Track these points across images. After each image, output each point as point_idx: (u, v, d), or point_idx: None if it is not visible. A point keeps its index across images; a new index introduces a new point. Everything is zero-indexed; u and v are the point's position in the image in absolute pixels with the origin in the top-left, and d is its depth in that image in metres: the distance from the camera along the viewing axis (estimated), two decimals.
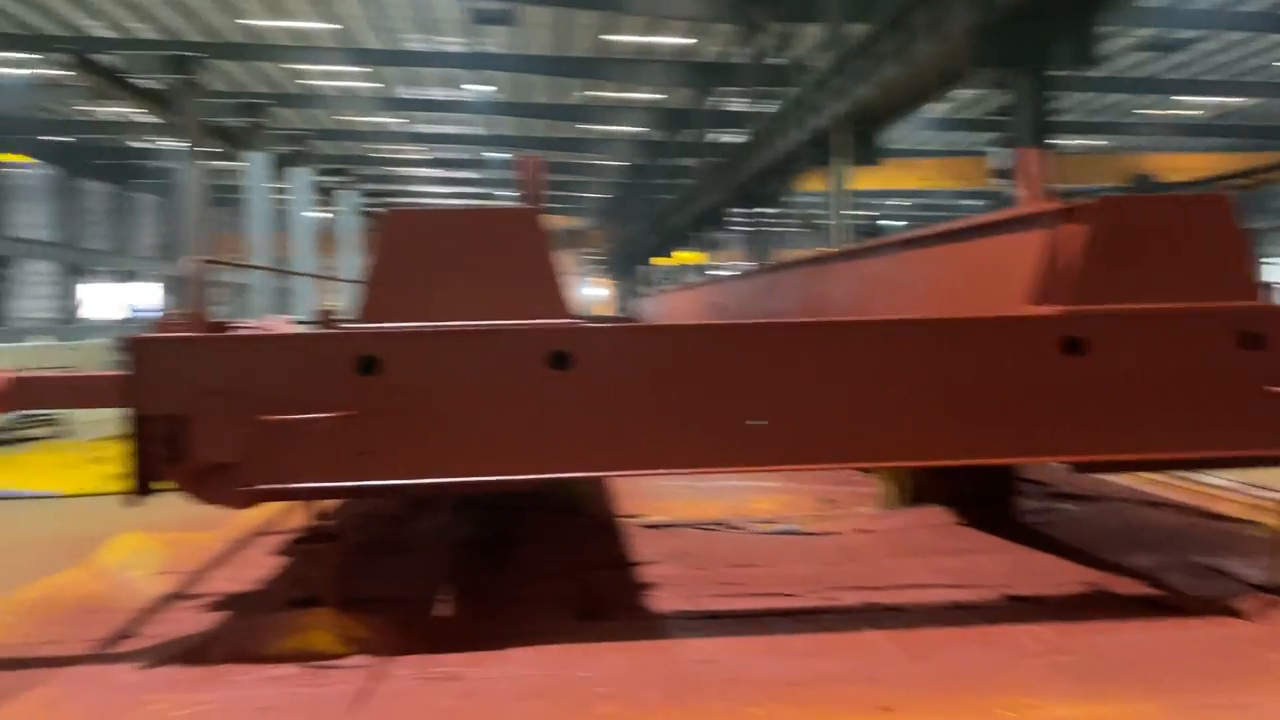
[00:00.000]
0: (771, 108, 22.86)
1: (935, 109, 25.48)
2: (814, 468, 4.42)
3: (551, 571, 4.69)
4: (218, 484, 3.57)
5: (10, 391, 3.52)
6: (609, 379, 3.63)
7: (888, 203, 51.10)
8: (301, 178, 7.11)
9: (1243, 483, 6.28)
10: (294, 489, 3.59)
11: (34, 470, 8.17)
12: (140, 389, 3.52)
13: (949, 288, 5.05)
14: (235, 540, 5.60)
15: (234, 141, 19.55)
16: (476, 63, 28.43)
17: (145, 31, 25.32)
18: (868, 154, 16.13)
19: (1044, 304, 3.74)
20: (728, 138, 32.78)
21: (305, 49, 27.30)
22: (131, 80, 18.49)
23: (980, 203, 48.59)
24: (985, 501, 5.62)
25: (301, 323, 7.43)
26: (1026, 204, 4.21)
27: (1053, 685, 3.14)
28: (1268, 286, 3.83)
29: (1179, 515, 5.67)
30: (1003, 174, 10.53)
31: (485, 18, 25.15)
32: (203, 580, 4.76)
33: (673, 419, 3.62)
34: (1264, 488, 6.09)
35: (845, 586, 4.29)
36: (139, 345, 3.53)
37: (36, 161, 41.36)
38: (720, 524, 5.58)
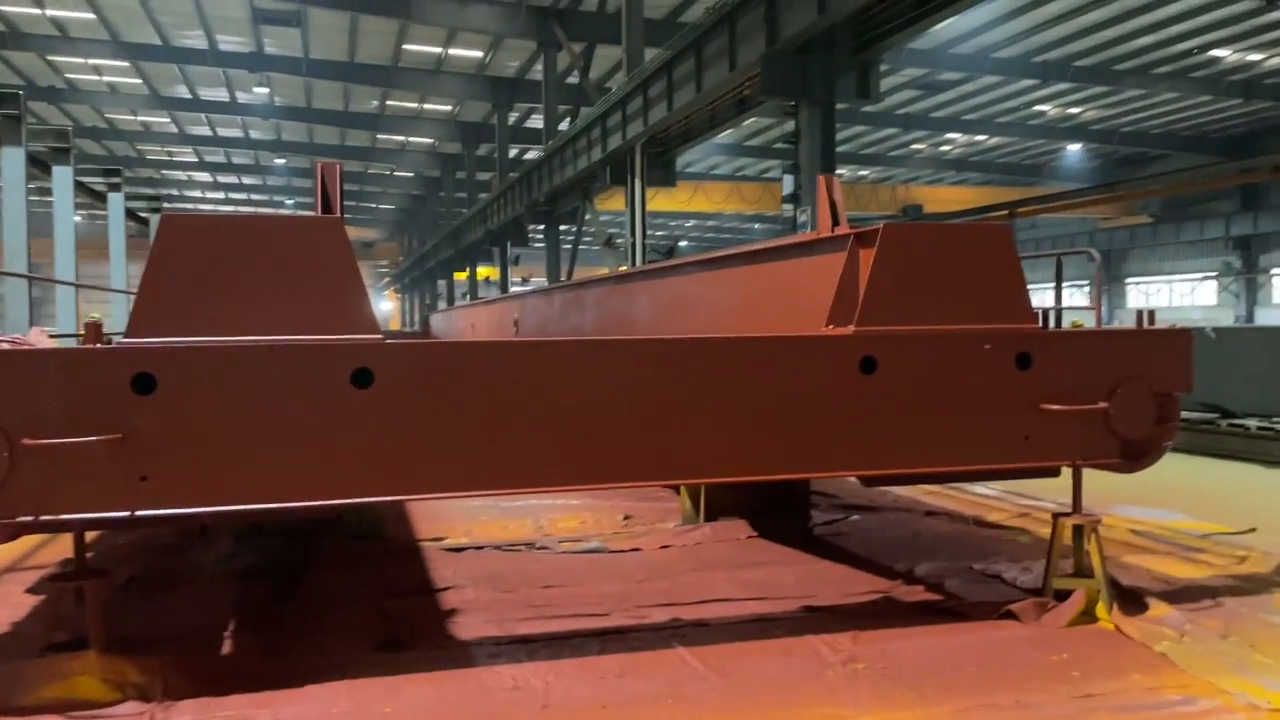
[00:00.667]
0: (567, 126, 23.11)
1: (729, 135, 26.41)
2: (618, 486, 4.42)
3: (349, 601, 4.46)
4: None
5: None
6: (413, 397, 3.49)
7: (686, 224, 52.57)
8: (64, 178, 6.42)
9: (1010, 492, 6.84)
10: (61, 520, 3.23)
11: None
12: None
13: (751, 308, 5.21)
14: None
15: None
16: (260, 64, 27.09)
17: None
18: (665, 176, 16.54)
19: (841, 325, 3.91)
20: (530, 154, 32.88)
21: (72, 40, 25.19)
22: None
23: (769, 227, 50.87)
24: (779, 514, 5.83)
25: (64, 337, 6.80)
26: (823, 228, 4.40)
27: (854, 694, 3.26)
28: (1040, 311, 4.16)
29: (955, 524, 6.08)
30: (794, 199, 11.05)
31: (270, 18, 24.04)
32: None
33: (479, 438, 3.52)
34: (1029, 497, 6.64)
35: (652, 604, 4.31)
36: None
37: None
38: (526, 545, 5.50)
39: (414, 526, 5.95)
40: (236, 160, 41.41)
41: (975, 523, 6.09)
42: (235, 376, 3.36)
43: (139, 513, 3.28)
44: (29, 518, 3.19)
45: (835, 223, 4.33)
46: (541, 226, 24.98)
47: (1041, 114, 31.20)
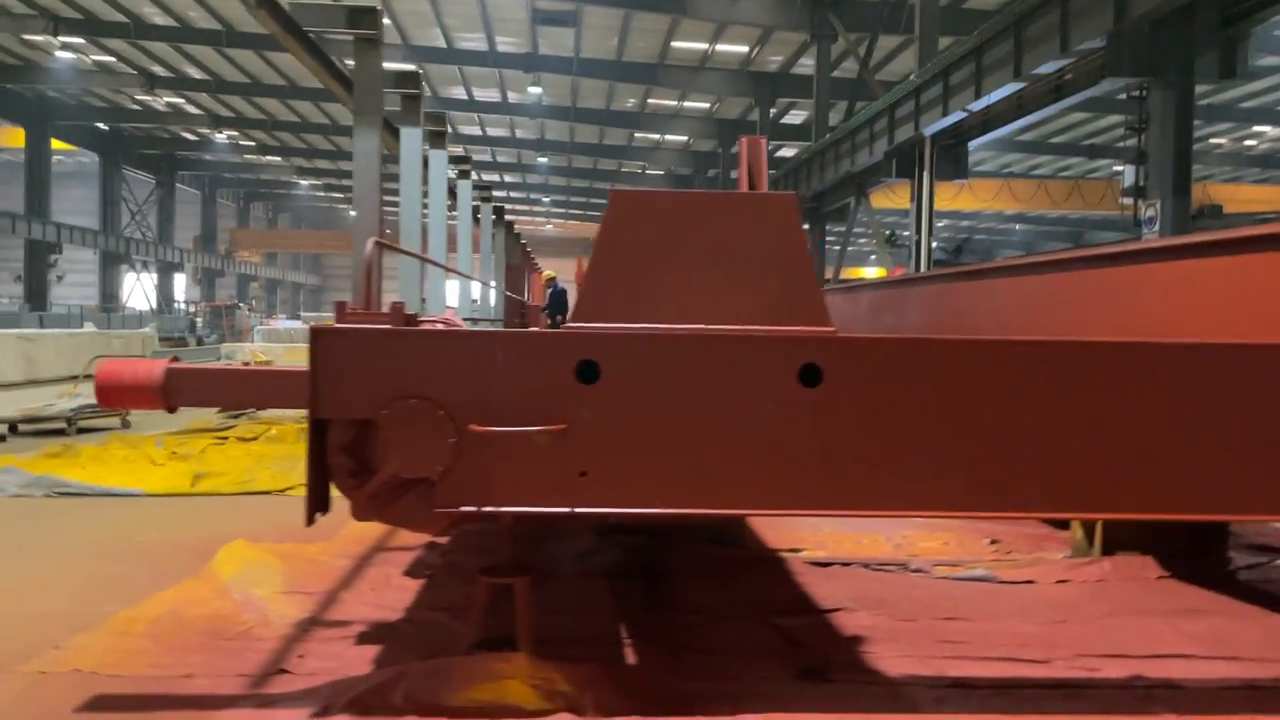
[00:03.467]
0: (832, 121, 22.39)
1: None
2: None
3: (733, 615, 4.13)
4: (410, 503, 3.04)
5: (173, 386, 2.99)
6: (864, 399, 3.05)
7: (937, 224, 50.31)
8: (439, 161, 6.62)
9: None
10: (503, 512, 3.04)
11: (117, 465, 7.70)
12: (322, 389, 2.99)
13: (1171, 311, 4.45)
14: (356, 557, 5.09)
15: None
16: (533, 65, 28.06)
17: None
18: (956, 169, 15.54)
19: None
20: (783, 150, 32.35)
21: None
22: None
23: (1030, 228, 47.79)
24: (1191, 551, 5.03)
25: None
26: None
27: None
28: None
29: None
30: (1138, 193, 9.92)
31: (547, 18, 24.83)
32: (341, 604, 4.23)
33: (931, 450, 3.04)
34: None
35: (1093, 653, 3.70)
36: (322, 338, 3.00)
37: (76, 148, 41.40)
38: (897, 565, 5.00)
39: (760, 534, 5.59)
40: (501, 159, 43.31)
41: None
42: (675, 367, 3.05)
43: (577, 509, 3.04)
44: (472, 507, 3.02)
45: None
46: (806, 225, 24.34)
47: None
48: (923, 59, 14.97)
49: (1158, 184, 9.58)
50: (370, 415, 2.97)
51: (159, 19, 27.09)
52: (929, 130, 14.56)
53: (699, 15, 22.40)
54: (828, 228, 24.74)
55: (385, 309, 3.30)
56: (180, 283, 49.68)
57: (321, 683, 3.26)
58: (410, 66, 4.21)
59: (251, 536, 5.37)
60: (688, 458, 3.05)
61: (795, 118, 31.79)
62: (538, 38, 26.61)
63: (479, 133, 37.99)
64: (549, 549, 5.18)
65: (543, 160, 41.77)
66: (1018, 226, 47.08)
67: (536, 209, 56.35)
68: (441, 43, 27.29)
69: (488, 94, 32.55)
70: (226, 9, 25.69)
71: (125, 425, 10.52)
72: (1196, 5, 9.06)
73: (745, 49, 26.20)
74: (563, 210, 56.54)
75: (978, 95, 12.58)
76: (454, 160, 6.75)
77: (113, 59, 30.71)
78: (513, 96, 32.68)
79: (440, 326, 3.29)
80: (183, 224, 49.67)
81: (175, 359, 3.06)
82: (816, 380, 3.04)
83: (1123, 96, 17.73)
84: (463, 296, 7.22)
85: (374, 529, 5.85)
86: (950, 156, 15.52)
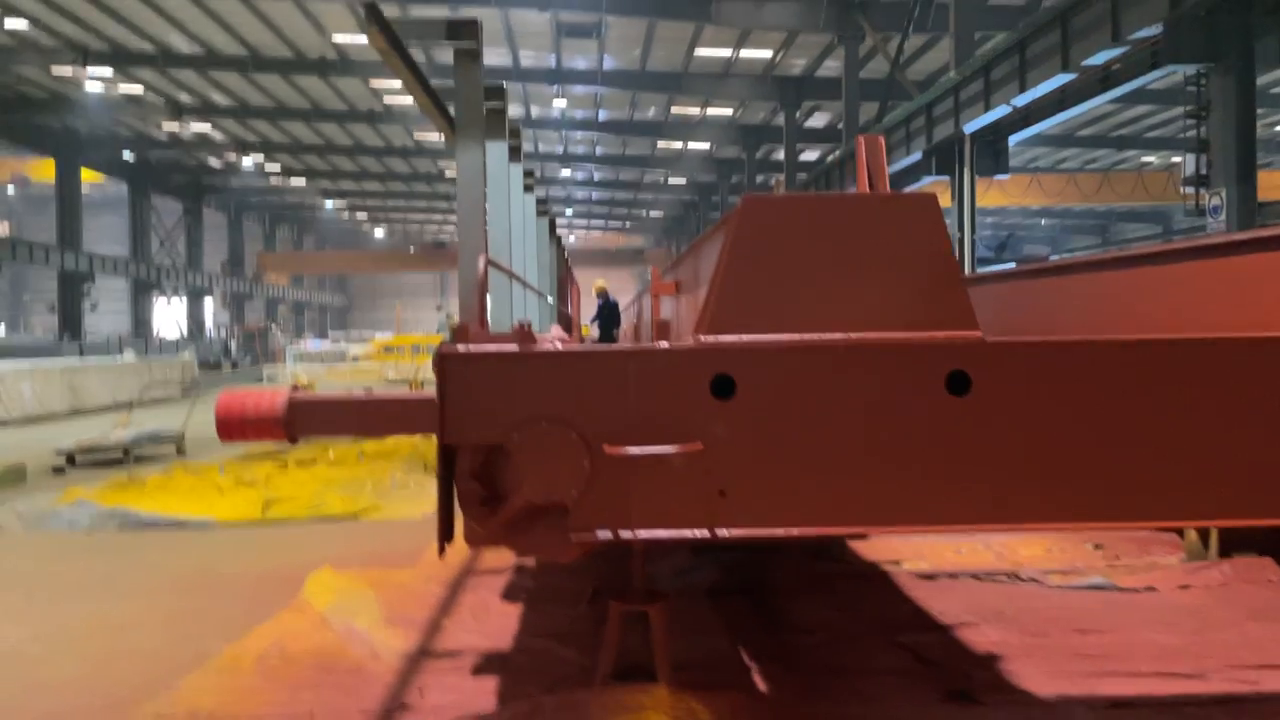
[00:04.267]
0: (861, 121, 22.17)
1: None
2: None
3: (855, 634, 3.96)
4: (544, 531, 2.90)
5: (295, 417, 2.87)
6: (1016, 408, 2.89)
7: (986, 219, 49.89)
8: (516, 175, 6.50)
9: None
10: (639, 538, 2.89)
11: (185, 494, 7.61)
12: (451, 414, 2.85)
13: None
14: (448, 582, 4.96)
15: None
16: (557, 78, 28.07)
17: None
18: (996, 164, 15.28)
19: None
20: (807, 154, 32.16)
21: None
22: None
23: (1056, 221, 47.30)
24: None
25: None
26: None
27: None
28: None
29: None
30: (1200, 181, 9.69)
31: (571, 30, 24.82)
32: (446, 634, 4.10)
33: (1088, 461, 2.87)
34: None
35: (1246, 665, 3.51)
36: (449, 362, 2.87)
37: (104, 178, 41.83)
38: (1007, 575, 4.82)
39: (854, 546, 5.42)
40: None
41: None
42: (814, 379, 2.89)
43: (718, 531, 2.89)
44: (608, 533, 2.88)
45: None
46: None
47: None
48: (959, 55, 14.77)
49: (1221, 172, 9.34)
50: (501, 440, 2.84)
51: (185, 47, 27.28)
52: (969, 127, 14.35)
53: (723, 22, 22.26)
54: None
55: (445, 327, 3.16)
56: (209, 307, 50.01)
57: (450, 719, 3.13)
58: (498, 81, 4.13)
59: (334, 563, 5.26)
60: (830, 473, 2.89)
61: (818, 120, 31.62)
62: (561, 50, 26.57)
63: None
64: (639, 568, 5.03)
65: (566, 173, 41.77)
66: (1043, 221, 46.60)
67: (559, 221, 56.43)
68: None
69: (512, 108, 32.52)
70: (252, 34, 25.87)
71: (181, 453, 10.47)
72: None
73: (769, 54, 26.03)
74: (584, 222, 56.60)
75: (1022, 89, 12.37)
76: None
77: (140, 89, 30.94)
78: (535, 111, 32.68)
79: (558, 345, 3.15)
80: (210, 249, 50.05)
81: (295, 388, 2.95)
82: (965, 388, 2.88)
83: (1157, 86, 17.42)
84: (540, 313, 7.10)
85: (458, 552, 5.74)
86: (990, 152, 15.30)
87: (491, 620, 4.26)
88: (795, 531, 2.97)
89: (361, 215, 56.40)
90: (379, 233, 62.73)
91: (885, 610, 4.33)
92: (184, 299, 47.60)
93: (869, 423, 2.90)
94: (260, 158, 39.42)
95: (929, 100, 15.66)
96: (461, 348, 2.99)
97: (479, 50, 3.39)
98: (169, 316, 49.00)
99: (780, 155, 31.41)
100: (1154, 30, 9.67)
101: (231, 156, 39.33)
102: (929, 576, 4.84)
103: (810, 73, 27.16)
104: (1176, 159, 34.97)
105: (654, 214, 54.55)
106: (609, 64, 27.29)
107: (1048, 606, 4.32)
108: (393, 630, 4.15)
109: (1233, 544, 4.91)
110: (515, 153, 5.17)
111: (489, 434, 2.84)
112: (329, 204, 52.22)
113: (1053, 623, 4.06)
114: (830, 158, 23.91)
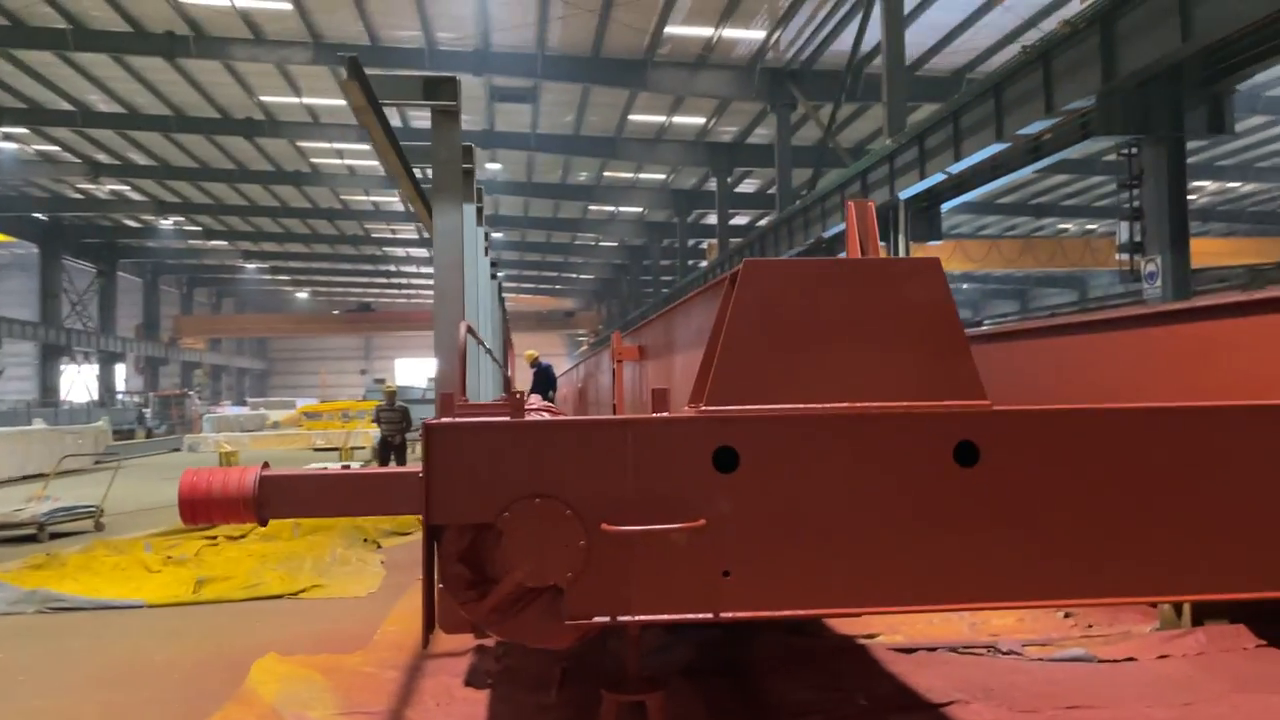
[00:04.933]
0: (781, 191, 22.58)
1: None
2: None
3: (846, 715, 3.79)
4: (537, 615, 2.69)
5: (267, 497, 2.64)
6: (1026, 478, 2.79)
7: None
8: (481, 236, 6.23)
9: None
10: (638, 621, 2.70)
11: (109, 574, 7.09)
12: (438, 492, 2.65)
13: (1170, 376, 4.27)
14: (404, 667, 4.66)
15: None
16: (491, 141, 28.05)
17: None
18: (930, 230, 15.62)
19: None
20: (738, 219, 32.60)
21: (322, 125, 26.90)
22: None
23: (976, 286, 48.64)
24: None
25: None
26: None
27: None
28: None
29: None
30: (1134, 248, 9.98)
31: (505, 95, 24.90)
32: None
33: (1098, 531, 2.79)
34: None
35: None
36: (438, 435, 2.67)
37: (14, 240, 40.40)
38: (985, 647, 4.71)
39: (829, 620, 5.26)
40: None
41: None
42: (821, 450, 2.77)
43: (722, 614, 2.72)
44: (606, 617, 2.68)
45: None
46: None
47: None
48: (892, 125, 15.12)
49: (1155, 239, 9.63)
50: (490, 519, 2.64)
51: (104, 106, 26.62)
52: (904, 194, 14.64)
53: (657, 89, 22.59)
54: None
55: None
56: (121, 372, 48.29)
57: None
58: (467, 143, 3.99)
59: (278, 647, 4.92)
60: (839, 552, 2.75)
61: (749, 186, 32.16)
62: (494, 115, 26.63)
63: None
64: (612, 646, 4.80)
65: (498, 235, 41.66)
66: (964, 286, 47.88)
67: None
68: (397, 121, 27.16)
69: None
70: (175, 94, 25.37)
71: (100, 528, 9.86)
72: (1182, 65, 9.21)
73: (702, 120, 26.47)
74: (514, 285, 56.38)
75: (957, 158, 12.69)
76: None
77: (56, 148, 30.08)
78: None
79: (545, 415, 2.98)
80: (124, 313, 48.48)
81: (266, 465, 2.71)
82: (974, 459, 2.78)
83: (1074, 155, 18.06)
84: (495, 379, 6.89)
85: (401, 631, 5.42)
86: (924, 218, 15.62)
87: (457, 709, 3.99)
88: (802, 613, 2.83)
89: (284, 277, 55.32)
90: (302, 295, 61.62)
91: (869, 687, 4.17)
92: (96, 364, 45.88)
93: (877, 496, 2.78)
94: (180, 218, 38.53)
95: (864, 168, 15.98)
96: (448, 420, 2.80)
97: (458, 109, 3.25)
98: (79, 382, 47.11)
99: (712, 219, 31.83)
100: (1086, 102, 9.99)
101: (149, 217, 38.37)
102: (907, 650, 4.70)
103: (742, 139, 27.68)
104: (1091, 226, 36.40)
105: (585, 276, 54.65)
106: (543, 129, 27.40)
107: (1032, 681, 4.21)
108: None
109: (1205, 612, 4.89)
110: (479, 215, 5.01)
111: (479, 512, 2.65)
112: (250, 266, 51.18)
113: (1041, 698, 3.94)
114: (763, 222, 24.22)
